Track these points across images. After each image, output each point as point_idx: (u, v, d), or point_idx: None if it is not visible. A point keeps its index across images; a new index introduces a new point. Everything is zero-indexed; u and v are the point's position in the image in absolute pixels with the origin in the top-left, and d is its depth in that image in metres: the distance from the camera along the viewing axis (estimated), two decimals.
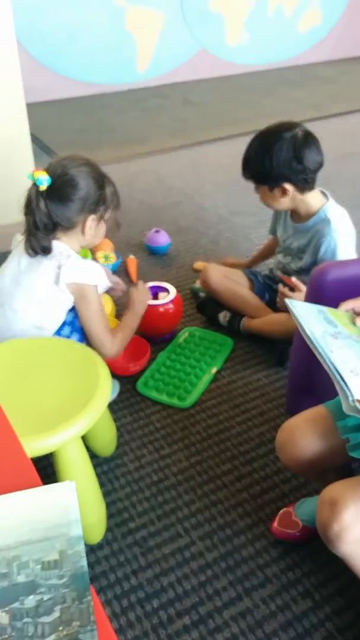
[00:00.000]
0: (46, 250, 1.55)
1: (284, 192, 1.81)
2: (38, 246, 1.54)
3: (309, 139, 1.78)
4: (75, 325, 1.61)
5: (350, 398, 0.96)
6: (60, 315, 1.58)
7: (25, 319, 1.55)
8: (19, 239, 1.63)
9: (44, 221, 1.52)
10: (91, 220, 1.57)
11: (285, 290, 1.76)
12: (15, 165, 2.53)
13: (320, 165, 1.79)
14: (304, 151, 1.75)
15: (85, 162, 1.57)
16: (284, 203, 1.86)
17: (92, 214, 1.57)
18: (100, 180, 1.58)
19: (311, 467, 1.25)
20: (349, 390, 0.97)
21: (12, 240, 1.71)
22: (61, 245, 1.57)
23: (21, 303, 1.56)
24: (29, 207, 1.53)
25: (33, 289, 1.55)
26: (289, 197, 1.82)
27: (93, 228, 1.59)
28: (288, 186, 1.79)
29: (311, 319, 1.14)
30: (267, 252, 2.34)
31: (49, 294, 1.54)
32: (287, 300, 1.19)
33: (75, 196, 1.52)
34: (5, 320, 1.58)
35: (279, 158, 1.75)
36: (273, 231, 2.14)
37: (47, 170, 1.52)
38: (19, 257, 1.61)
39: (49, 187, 1.50)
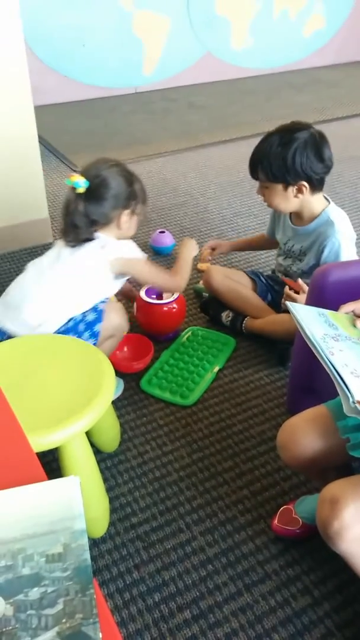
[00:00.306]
0: (86, 241, 1.70)
1: (300, 190, 1.80)
2: (76, 240, 1.69)
3: (325, 139, 1.79)
4: (92, 329, 1.67)
5: (350, 400, 0.97)
6: (94, 297, 1.71)
7: (52, 294, 1.66)
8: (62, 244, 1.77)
9: (83, 221, 1.66)
10: (125, 215, 1.72)
11: (291, 292, 1.77)
12: (23, 167, 2.55)
13: (332, 165, 1.81)
14: (324, 150, 1.76)
15: (114, 163, 1.74)
16: (294, 203, 1.85)
17: (125, 209, 1.72)
18: (129, 178, 1.73)
19: (312, 465, 1.27)
20: (350, 392, 0.98)
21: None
22: (100, 235, 1.72)
23: (56, 279, 1.68)
24: (68, 209, 1.68)
25: (75, 267, 1.68)
26: (301, 197, 1.82)
27: (127, 221, 1.74)
28: (305, 185, 1.79)
29: (312, 321, 1.15)
30: (255, 245, 2.36)
31: (91, 272, 1.69)
32: (288, 303, 1.20)
33: (108, 194, 1.67)
34: (31, 292, 1.67)
35: (302, 155, 1.74)
36: (272, 234, 2.15)
37: (83, 174, 1.66)
38: (59, 248, 1.74)
39: (86, 190, 1.64)
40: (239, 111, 4.68)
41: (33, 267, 1.75)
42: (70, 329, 1.65)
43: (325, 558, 1.37)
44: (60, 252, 1.72)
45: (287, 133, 1.78)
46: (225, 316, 2.14)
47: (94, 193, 1.66)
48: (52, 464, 1.52)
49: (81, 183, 1.63)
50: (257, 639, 1.24)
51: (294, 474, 1.59)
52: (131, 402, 1.85)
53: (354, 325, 1.19)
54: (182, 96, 5.06)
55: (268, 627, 1.25)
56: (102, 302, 1.74)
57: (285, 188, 1.81)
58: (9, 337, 1.61)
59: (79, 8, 4.48)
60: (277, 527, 1.43)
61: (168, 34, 4.97)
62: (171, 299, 2.01)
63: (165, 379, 1.91)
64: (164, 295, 2.06)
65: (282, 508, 1.46)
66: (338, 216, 1.85)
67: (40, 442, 1.17)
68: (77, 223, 1.66)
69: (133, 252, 1.76)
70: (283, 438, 1.26)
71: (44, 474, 0.67)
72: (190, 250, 2.01)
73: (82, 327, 1.67)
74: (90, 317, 1.68)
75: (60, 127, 4.29)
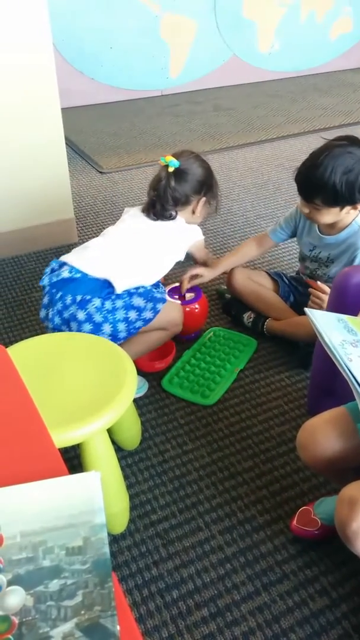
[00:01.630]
0: (170, 217, 1.92)
1: (355, 208, 1.76)
2: (159, 214, 1.91)
3: None
4: (145, 317, 1.75)
5: None
6: (161, 268, 1.88)
7: (141, 248, 1.85)
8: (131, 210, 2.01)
9: (167, 195, 1.88)
10: (202, 202, 1.97)
11: (318, 292, 1.76)
12: (50, 168, 2.59)
13: None
14: None
15: (198, 155, 2.00)
16: (340, 217, 1.81)
17: (204, 196, 1.97)
18: (210, 171, 1.99)
19: (331, 466, 1.26)
20: None
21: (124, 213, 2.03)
22: (178, 216, 1.95)
23: (135, 241, 1.86)
24: (159, 183, 1.90)
25: (155, 237, 1.89)
26: (351, 213, 1.79)
27: (201, 208, 1.99)
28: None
29: (330, 327, 1.14)
30: (244, 258, 2.24)
31: (167, 248, 1.91)
32: (306, 310, 1.19)
33: (194, 179, 1.92)
34: (123, 242, 1.86)
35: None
36: (280, 239, 2.12)
37: (176, 157, 1.90)
38: (137, 217, 1.95)
39: (176, 169, 1.88)
40: (264, 114, 4.68)
41: (112, 231, 1.93)
42: (141, 293, 1.76)
43: (343, 560, 1.37)
44: (140, 222, 1.92)
45: (343, 155, 1.68)
46: (247, 317, 2.15)
47: (182, 175, 1.89)
48: (73, 461, 1.54)
49: (174, 162, 1.87)
50: (274, 638, 1.24)
51: (313, 475, 1.59)
52: (152, 401, 1.87)
53: None
54: (208, 99, 5.07)
55: (285, 627, 1.26)
56: (163, 301, 1.81)
57: (342, 209, 1.76)
58: (83, 276, 1.73)
59: (107, 11, 4.52)
60: (295, 527, 1.43)
61: (194, 37, 4.99)
62: (194, 300, 2.03)
63: (187, 379, 1.92)
64: (187, 295, 2.06)
65: (301, 509, 1.46)
66: None
67: (62, 438, 1.19)
68: (164, 197, 1.88)
69: (200, 235, 2.06)
70: (303, 438, 1.26)
71: (66, 469, 0.68)
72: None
73: (149, 297, 1.76)
74: (158, 294, 1.81)
75: (86, 129, 4.33)
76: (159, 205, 1.90)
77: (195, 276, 2.10)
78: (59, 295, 1.71)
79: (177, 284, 2.09)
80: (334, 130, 4.20)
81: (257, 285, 2.14)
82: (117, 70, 4.86)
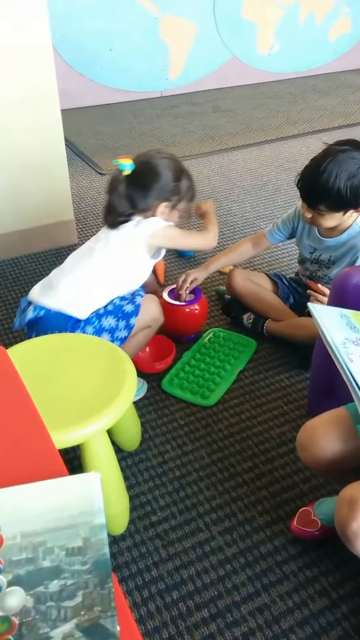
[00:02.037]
0: (122, 224, 1.74)
1: (357, 211, 1.77)
2: (114, 222, 1.74)
3: None
4: (129, 322, 1.70)
5: None
6: (127, 281, 1.76)
7: (93, 274, 1.72)
8: None
9: (121, 202, 1.71)
10: (163, 207, 1.75)
11: (317, 294, 1.76)
12: (50, 169, 2.59)
13: None
14: None
15: (167, 156, 1.79)
16: (340, 220, 1.81)
17: (166, 201, 1.74)
18: (178, 173, 1.76)
19: (331, 467, 1.26)
20: None
21: None
22: (135, 217, 1.76)
23: (97, 252, 1.73)
24: (110, 187, 1.74)
25: (112, 247, 1.73)
26: (354, 216, 1.80)
27: (166, 214, 1.77)
28: None
29: (333, 324, 1.13)
30: (238, 257, 2.23)
31: (127, 251, 1.74)
32: (309, 305, 1.19)
33: (153, 184, 1.71)
34: (74, 270, 1.73)
35: None
36: (277, 240, 2.11)
37: (134, 158, 1.72)
38: (100, 232, 1.81)
39: (132, 173, 1.70)
40: (264, 115, 4.68)
41: (76, 253, 1.82)
42: (110, 312, 1.70)
43: (343, 560, 1.37)
44: (99, 235, 1.78)
45: (345, 161, 1.68)
46: (247, 318, 2.15)
47: (139, 179, 1.71)
48: (73, 462, 1.54)
49: (127, 166, 1.68)
50: (274, 639, 1.24)
51: (313, 476, 1.59)
52: (152, 401, 1.87)
53: None
54: (207, 100, 5.08)
55: (285, 628, 1.26)
56: (139, 295, 1.76)
57: (345, 213, 1.77)
58: (46, 313, 1.67)
59: (106, 13, 4.53)
60: (295, 528, 1.43)
61: (194, 39, 5.00)
62: (193, 301, 2.03)
63: (187, 380, 1.92)
64: (187, 297, 2.06)
65: (301, 510, 1.46)
66: None
67: (62, 439, 1.19)
68: (115, 204, 1.72)
69: (162, 222, 1.77)
70: (303, 439, 1.26)
71: (66, 469, 0.68)
72: (213, 209, 2.07)
73: (120, 314, 1.70)
74: (129, 308, 1.71)
75: (86, 131, 4.33)
76: (114, 214, 1.74)
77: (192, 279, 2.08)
78: (34, 335, 1.66)
79: (175, 285, 2.09)
80: (333, 132, 4.21)
81: (256, 286, 2.14)
82: (117, 72, 4.87)
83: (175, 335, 2.07)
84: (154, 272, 2.53)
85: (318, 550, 1.41)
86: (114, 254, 1.73)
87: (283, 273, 2.30)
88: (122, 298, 1.74)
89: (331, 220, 1.80)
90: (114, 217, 1.74)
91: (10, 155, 2.47)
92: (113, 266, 1.73)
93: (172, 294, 2.07)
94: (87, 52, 4.65)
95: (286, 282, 2.19)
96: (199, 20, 4.92)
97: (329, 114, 4.67)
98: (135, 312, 1.71)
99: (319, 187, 1.71)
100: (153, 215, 1.75)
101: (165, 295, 2.05)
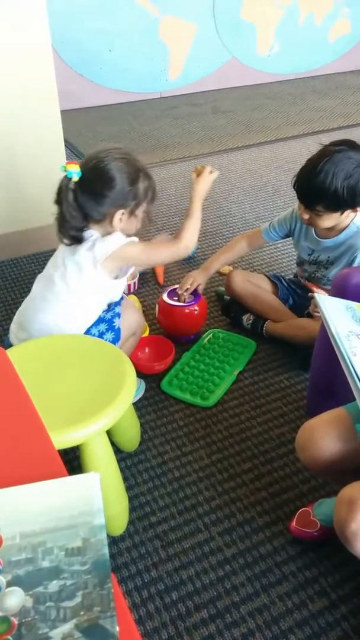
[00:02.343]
0: (76, 240, 1.59)
1: (355, 211, 1.77)
2: (67, 236, 1.59)
3: None
4: (112, 325, 1.66)
5: None
6: (94, 308, 1.65)
7: (61, 311, 1.61)
8: None
9: (71, 213, 1.55)
10: (120, 214, 1.59)
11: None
12: (49, 170, 2.58)
13: None
14: None
15: (120, 156, 1.58)
16: (338, 220, 1.81)
17: (122, 208, 1.58)
18: (133, 175, 1.58)
19: (330, 468, 1.27)
20: None
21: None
22: (90, 231, 1.61)
23: (61, 292, 1.62)
24: (59, 197, 1.57)
25: (70, 276, 1.60)
26: (351, 216, 1.80)
27: (124, 221, 1.61)
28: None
29: (338, 316, 1.13)
30: (234, 256, 2.23)
31: (85, 284, 1.60)
32: (315, 295, 1.19)
33: (107, 191, 1.55)
34: (40, 309, 1.63)
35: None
36: (271, 239, 2.11)
37: (83, 162, 1.56)
38: (57, 250, 1.68)
39: (82, 179, 1.53)
40: (263, 116, 4.69)
41: (40, 281, 1.69)
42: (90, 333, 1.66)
43: (342, 561, 1.37)
44: (57, 259, 1.66)
45: (343, 161, 1.68)
46: (246, 319, 2.15)
47: (90, 186, 1.54)
48: (73, 462, 1.54)
49: (74, 172, 1.52)
50: (273, 639, 1.24)
51: (312, 476, 1.59)
52: (152, 402, 1.87)
53: None
54: (207, 101, 5.08)
55: (285, 629, 1.26)
56: (117, 316, 1.70)
57: (342, 213, 1.77)
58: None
59: (106, 14, 4.53)
60: (295, 529, 1.43)
61: (193, 39, 5.00)
62: (193, 302, 2.03)
63: (186, 381, 1.92)
64: (186, 297, 2.06)
65: (300, 510, 1.46)
66: None
67: (61, 439, 1.19)
68: (66, 216, 1.56)
69: (121, 240, 1.60)
70: (302, 439, 1.26)
71: (65, 470, 0.68)
72: (202, 191, 1.80)
73: (103, 326, 1.67)
74: (109, 336, 1.67)
75: (86, 132, 4.33)
76: (66, 228, 1.58)
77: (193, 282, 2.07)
78: None
79: (176, 286, 2.09)
80: (333, 133, 4.22)
81: (256, 287, 2.14)
82: (116, 73, 4.87)
83: (174, 336, 2.07)
84: (154, 272, 2.54)
85: (317, 551, 1.41)
86: (73, 283, 1.60)
87: (282, 274, 2.30)
88: (101, 321, 1.67)
89: (329, 220, 1.80)
90: (67, 231, 1.58)
91: (10, 156, 2.47)
92: (77, 296, 1.61)
93: (171, 294, 2.07)
94: (86, 53, 4.65)
95: (285, 284, 2.19)
96: (198, 21, 4.92)
97: (329, 115, 4.67)
98: (117, 338, 1.67)
99: (316, 188, 1.70)
100: (110, 224, 1.59)
101: (164, 296, 2.05)
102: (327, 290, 1.92)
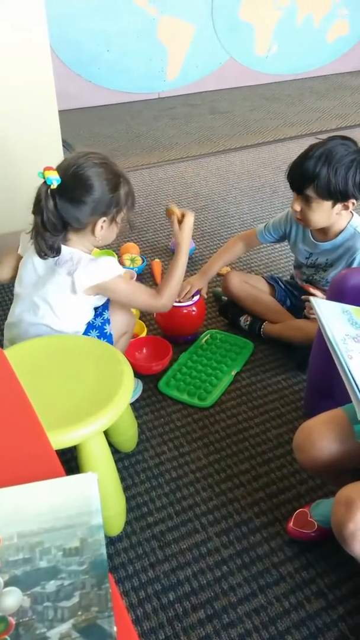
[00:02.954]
0: (54, 251, 1.54)
1: (346, 207, 1.76)
2: (46, 246, 1.53)
3: None
4: (103, 331, 1.66)
5: None
6: (82, 319, 1.63)
7: (47, 325, 1.59)
8: (27, 238, 1.62)
9: (52, 221, 1.50)
10: (102, 222, 1.55)
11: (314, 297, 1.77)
12: None
13: None
14: None
15: (100, 162, 1.53)
16: (332, 220, 1.81)
17: (104, 216, 1.55)
18: (114, 181, 1.54)
19: (327, 468, 1.27)
20: None
21: (20, 239, 1.71)
22: (70, 250, 1.57)
23: (44, 311, 1.58)
24: (38, 206, 1.51)
25: (53, 297, 1.56)
26: (343, 213, 1.79)
27: (105, 229, 1.57)
28: (354, 202, 1.75)
29: (334, 319, 1.13)
30: (231, 258, 2.22)
31: (70, 301, 1.56)
32: (311, 299, 1.19)
33: (87, 198, 1.50)
34: (29, 325, 1.61)
35: (356, 173, 1.69)
36: (267, 240, 2.11)
37: (60, 168, 1.50)
38: (32, 261, 1.61)
39: (61, 186, 1.48)
40: (261, 117, 4.69)
41: (20, 303, 1.65)
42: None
43: (340, 562, 1.37)
44: (31, 275, 1.61)
45: (344, 147, 1.70)
46: (244, 320, 2.15)
47: (69, 193, 1.49)
48: (70, 463, 1.54)
49: (53, 179, 1.46)
50: None
51: (309, 477, 1.60)
52: (149, 403, 1.87)
53: None
54: (205, 102, 5.08)
55: (282, 629, 1.26)
56: (105, 308, 1.68)
57: (333, 205, 1.75)
58: None
59: (104, 14, 4.52)
60: (292, 530, 1.43)
61: (192, 40, 5.00)
62: (191, 302, 2.03)
63: (184, 381, 1.92)
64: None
65: (297, 511, 1.46)
66: None
67: (59, 439, 1.19)
68: (46, 224, 1.50)
69: (106, 274, 1.55)
70: (299, 440, 1.26)
71: (63, 470, 0.68)
72: (188, 239, 1.77)
73: (94, 334, 1.66)
74: (98, 321, 1.66)
75: (83, 132, 4.33)
76: (41, 238, 1.52)
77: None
78: None
79: None
80: (331, 133, 4.19)
81: (253, 288, 2.14)
82: (114, 73, 4.87)
83: (172, 336, 2.07)
84: (152, 273, 2.54)
85: (314, 552, 1.41)
86: (57, 304, 1.57)
87: (279, 275, 2.30)
88: (91, 328, 1.65)
89: (319, 213, 1.77)
90: (46, 242, 1.52)
91: (8, 156, 2.47)
92: (63, 313, 1.58)
93: None
94: (84, 53, 4.65)
95: (282, 285, 2.19)
96: (196, 22, 4.92)
97: (327, 116, 4.68)
98: (107, 321, 1.66)
99: (308, 169, 1.70)
100: (91, 233, 1.56)
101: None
102: (324, 292, 1.93)
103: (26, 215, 2.60)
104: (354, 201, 1.75)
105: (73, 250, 1.57)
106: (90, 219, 1.54)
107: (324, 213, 1.77)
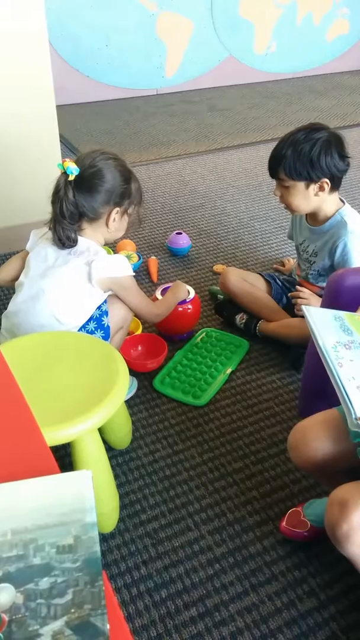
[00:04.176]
0: (72, 241, 1.62)
1: (321, 188, 1.81)
2: (64, 235, 1.60)
3: (343, 139, 1.82)
4: (101, 323, 1.65)
5: (353, 416, 0.97)
6: (87, 311, 1.63)
7: (51, 313, 1.60)
8: (39, 234, 1.72)
9: (70, 210, 1.58)
10: (115, 213, 1.64)
11: (299, 293, 1.84)
12: (44, 165, 2.57)
13: (349, 166, 1.84)
14: (345, 149, 1.80)
15: (113, 156, 1.65)
16: (313, 203, 1.85)
17: (117, 206, 1.64)
18: (127, 174, 1.66)
19: (321, 468, 1.27)
20: (352, 407, 0.98)
21: (30, 237, 1.76)
22: (87, 241, 1.64)
23: (49, 297, 1.60)
24: (57, 195, 1.59)
25: (63, 284, 1.61)
26: (321, 195, 1.83)
27: (117, 221, 1.67)
28: (327, 182, 1.80)
29: (325, 327, 1.12)
30: None
31: (80, 290, 1.61)
32: (302, 307, 1.18)
33: (102, 187, 1.59)
34: (31, 313, 1.62)
35: (327, 152, 1.76)
36: (290, 235, 2.18)
37: (77, 162, 1.59)
38: (45, 252, 1.66)
39: (78, 177, 1.57)
40: (260, 115, 4.69)
41: (26, 287, 1.66)
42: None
43: (331, 562, 1.38)
44: (46, 258, 1.65)
45: (310, 132, 1.79)
46: (240, 319, 2.15)
47: (86, 183, 1.58)
48: (64, 460, 1.54)
49: (73, 169, 1.55)
50: (262, 638, 1.24)
51: (303, 477, 1.60)
52: (144, 400, 1.87)
53: None
54: (203, 99, 5.08)
55: (273, 628, 1.26)
56: (105, 313, 1.69)
57: (307, 186, 1.81)
58: None
59: (103, 9, 4.51)
60: (285, 529, 1.43)
61: (191, 36, 4.99)
62: (187, 300, 2.03)
63: (178, 379, 1.92)
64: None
65: (290, 510, 1.46)
66: (351, 217, 1.87)
67: (53, 436, 1.19)
68: (65, 213, 1.58)
69: (122, 271, 1.66)
70: (294, 439, 1.26)
71: (57, 467, 0.68)
72: (180, 294, 1.99)
73: (92, 325, 1.67)
74: (96, 313, 1.67)
75: (81, 127, 4.32)
76: (60, 227, 1.60)
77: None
78: None
79: (169, 284, 2.08)
80: None
81: (250, 286, 2.14)
82: (113, 69, 4.85)
83: (167, 334, 2.07)
84: (148, 271, 2.54)
85: (307, 551, 1.41)
86: (67, 295, 1.61)
87: (277, 274, 2.30)
88: (89, 319, 1.66)
89: (296, 195, 1.84)
90: (64, 231, 1.60)
91: (5, 151, 2.46)
92: (67, 306, 1.62)
93: (165, 292, 2.06)
94: (83, 48, 4.63)
95: (279, 283, 2.19)
96: (196, 18, 4.92)
97: (325, 115, 4.68)
98: (107, 336, 1.67)
99: (277, 153, 1.83)
100: (105, 224, 1.65)
101: (158, 293, 2.05)
102: (318, 288, 1.95)
103: (25, 210, 2.61)
104: (327, 181, 1.80)
105: (90, 242, 1.65)
106: (105, 209, 1.63)
107: (300, 195, 1.84)
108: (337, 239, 1.85)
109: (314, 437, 1.22)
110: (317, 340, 1.09)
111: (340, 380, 1.01)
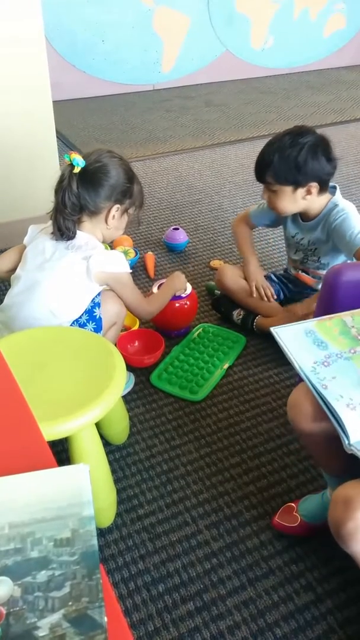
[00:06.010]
0: (71, 232, 1.63)
1: (309, 192, 1.81)
2: (64, 225, 1.62)
3: (330, 141, 1.83)
4: (92, 315, 1.65)
5: (346, 442, 0.97)
6: (82, 305, 1.63)
7: (46, 306, 1.60)
8: (37, 229, 1.73)
9: (72, 200, 1.60)
10: (115, 210, 1.66)
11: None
12: (41, 161, 2.57)
13: (337, 167, 1.84)
14: (331, 151, 1.80)
15: (119, 156, 1.70)
16: (301, 205, 1.86)
17: (118, 203, 1.66)
18: (131, 175, 1.70)
19: (318, 438, 1.21)
20: (346, 432, 0.97)
21: (28, 231, 1.77)
22: (86, 236, 1.65)
23: (45, 290, 1.61)
24: (61, 185, 1.62)
25: (60, 278, 1.61)
26: (309, 198, 1.83)
27: (117, 219, 1.69)
28: (314, 186, 1.80)
29: (299, 347, 1.09)
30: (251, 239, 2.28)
31: (77, 284, 1.62)
32: (272, 329, 1.14)
33: (105, 182, 1.62)
34: (26, 305, 1.62)
35: (313, 156, 1.76)
36: (260, 223, 2.18)
37: (84, 156, 1.62)
38: (43, 245, 1.67)
39: (83, 170, 1.60)
40: (257, 110, 4.68)
41: (22, 280, 1.66)
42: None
43: (328, 556, 1.38)
44: (44, 251, 1.65)
45: (295, 136, 1.80)
46: (237, 314, 2.15)
47: (90, 176, 1.61)
48: (61, 455, 1.54)
49: (79, 161, 1.58)
50: (259, 632, 1.25)
51: (300, 472, 1.60)
52: (141, 396, 1.87)
53: (347, 332, 1.14)
54: (200, 94, 5.07)
55: (270, 622, 1.26)
56: (97, 304, 1.69)
57: (294, 190, 1.82)
58: None
59: (99, 4, 4.50)
60: (276, 522, 1.44)
61: (187, 32, 4.97)
62: (183, 295, 2.03)
63: (175, 374, 1.92)
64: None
65: (285, 505, 1.47)
66: (342, 201, 1.89)
67: (51, 431, 1.19)
68: (67, 203, 1.60)
69: (119, 266, 1.68)
70: (294, 397, 1.21)
71: (54, 461, 0.68)
72: (177, 285, 1.99)
73: (84, 317, 1.66)
74: (91, 327, 1.66)
75: (77, 123, 4.31)
76: (61, 217, 1.61)
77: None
78: None
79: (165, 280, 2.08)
80: (326, 128, 4.21)
81: (246, 282, 2.14)
82: (109, 64, 4.84)
83: (164, 329, 2.07)
84: (144, 266, 2.53)
85: (304, 546, 1.42)
86: (62, 287, 1.62)
87: (273, 270, 2.30)
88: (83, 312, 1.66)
89: (284, 199, 1.85)
90: (64, 221, 1.61)
91: (1, 147, 2.45)
92: (62, 298, 1.62)
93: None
94: (79, 44, 4.62)
95: (276, 279, 2.19)
96: (193, 13, 4.90)
97: (322, 110, 4.67)
98: (99, 328, 1.67)
99: (264, 158, 1.84)
100: (104, 220, 1.67)
101: (154, 289, 2.04)
102: (314, 281, 1.95)
103: (21, 205, 2.60)
104: (315, 184, 1.80)
105: (89, 236, 1.66)
106: (106, 204, 1.65)
107: (287, 199, 1.84)
108: (333, 220, 1.85)
109: (313, 398, 1.19)
110: (295, 365, 1.07)
111: (328, 404, 0.99)
